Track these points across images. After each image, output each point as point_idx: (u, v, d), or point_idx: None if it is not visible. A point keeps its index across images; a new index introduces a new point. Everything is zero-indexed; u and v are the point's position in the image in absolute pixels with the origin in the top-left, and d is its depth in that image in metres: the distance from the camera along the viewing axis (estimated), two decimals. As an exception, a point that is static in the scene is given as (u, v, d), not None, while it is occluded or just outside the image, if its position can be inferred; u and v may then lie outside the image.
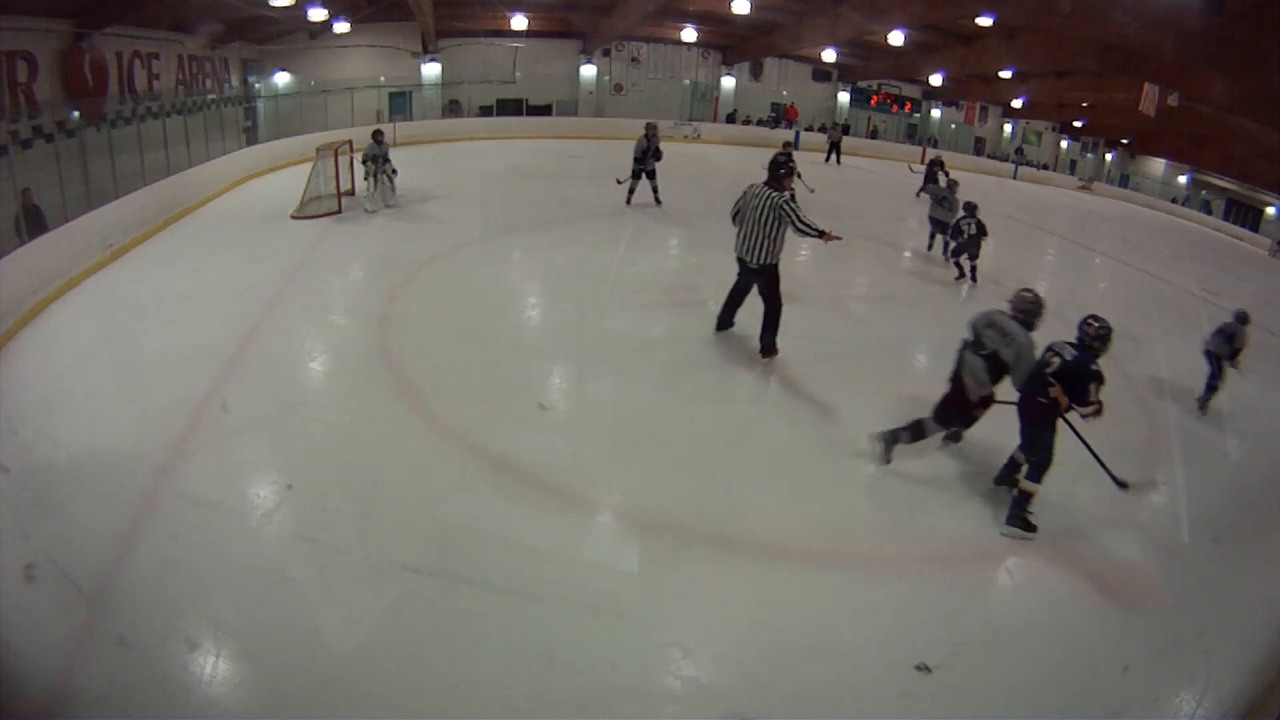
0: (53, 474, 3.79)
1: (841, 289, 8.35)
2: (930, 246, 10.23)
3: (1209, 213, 24.10)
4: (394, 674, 2.75)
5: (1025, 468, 4.03)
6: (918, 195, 13.92)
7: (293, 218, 9.37)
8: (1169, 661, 3.25)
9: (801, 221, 5.23)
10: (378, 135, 9.83)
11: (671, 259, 9.03)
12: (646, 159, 10.20)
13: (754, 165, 14.47)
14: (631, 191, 10.62)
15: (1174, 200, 25.10)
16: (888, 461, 4.44)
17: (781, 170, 5.45)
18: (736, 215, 5.55)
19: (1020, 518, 3.93)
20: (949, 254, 9.33)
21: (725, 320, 6.13)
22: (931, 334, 7.07)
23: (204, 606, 2.99)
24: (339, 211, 9.55)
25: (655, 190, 10.56)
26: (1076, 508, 4.33)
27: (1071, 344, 3.99)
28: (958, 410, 4.37)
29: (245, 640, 2.86)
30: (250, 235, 8.73)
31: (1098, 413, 3.85)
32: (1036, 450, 3.96)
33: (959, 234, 8.88)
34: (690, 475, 4.21)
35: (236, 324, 5.75)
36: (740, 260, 5.58)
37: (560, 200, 10.73)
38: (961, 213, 9.10)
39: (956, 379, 4.34)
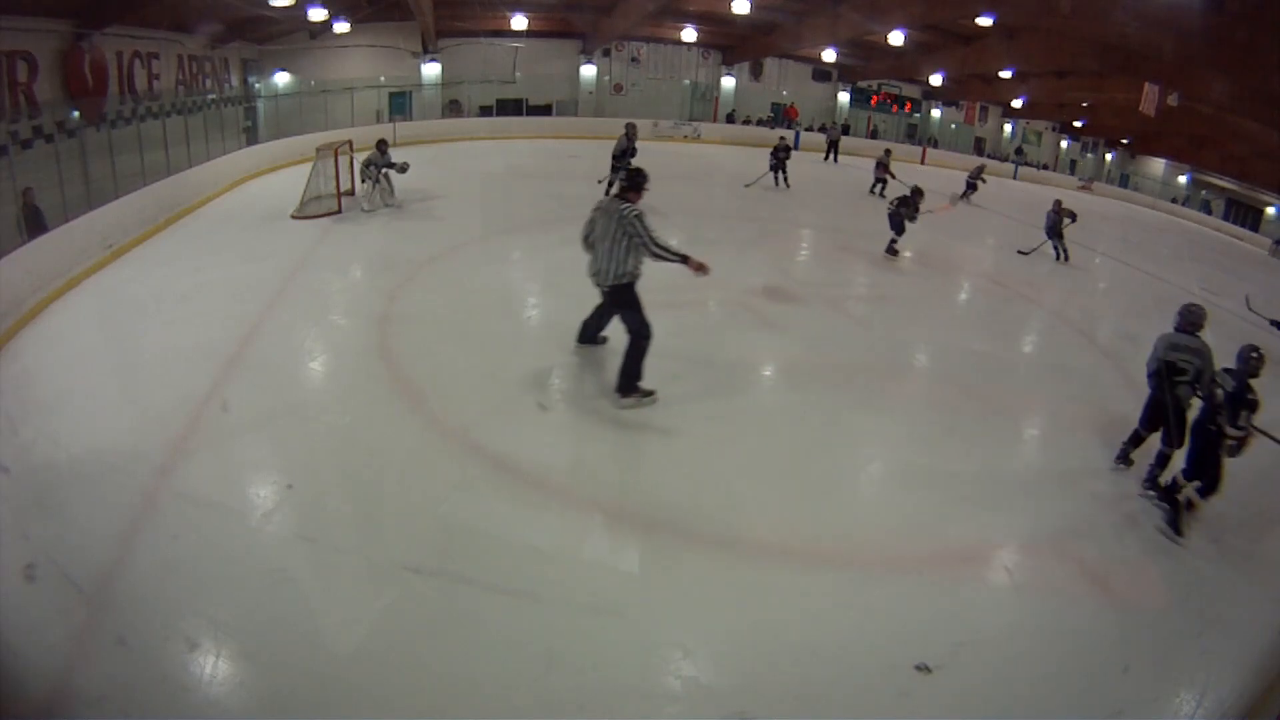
0: (53, 474, 3.78)
1: (842, 289, 8.35)
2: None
3: (1209, 213, 24.13)
4: (394, 674, 2.75)
5: (1194, 483, 4.12)
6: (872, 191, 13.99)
7: (293, 218, 9.37)
8: (1169, 661, 3.25)
9: (654, 244, 4.50)
10: (382, 145, 9.92)
11: (671, 259, 9.03)
12: (625, 158, 10.34)
13: (754, 165, 14.54)
14: (610, 185, 10.61)
15: (1174, 200, 25.13)
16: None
17: (628, 181, 4.75)
18: (588, 239, 4.81)
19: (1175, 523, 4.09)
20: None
21: (586, 331, 5.44)
22: (932, 334, 7.08)
23: (204, 606, 2.99)
24: (339, 211, 9.56)
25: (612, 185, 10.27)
26: (1076, 508, 4.33)
27: (1230, 370, 4.10)
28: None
29: (245, 640, 2.86)
30: (250, 235, 8.73)
31: (1244, 439, 3.95)
32: (1205, 471, 4.08)
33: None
34: (690, 475, 4.21)
35: (236, 324, 5.75)
36: (593, 281, 4.81)
37: (560, 200, 10.72)
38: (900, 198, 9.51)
39: (1179, 426, 4.27)
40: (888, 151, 14.89)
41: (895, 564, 3.64)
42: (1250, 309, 6.20)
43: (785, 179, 14.06)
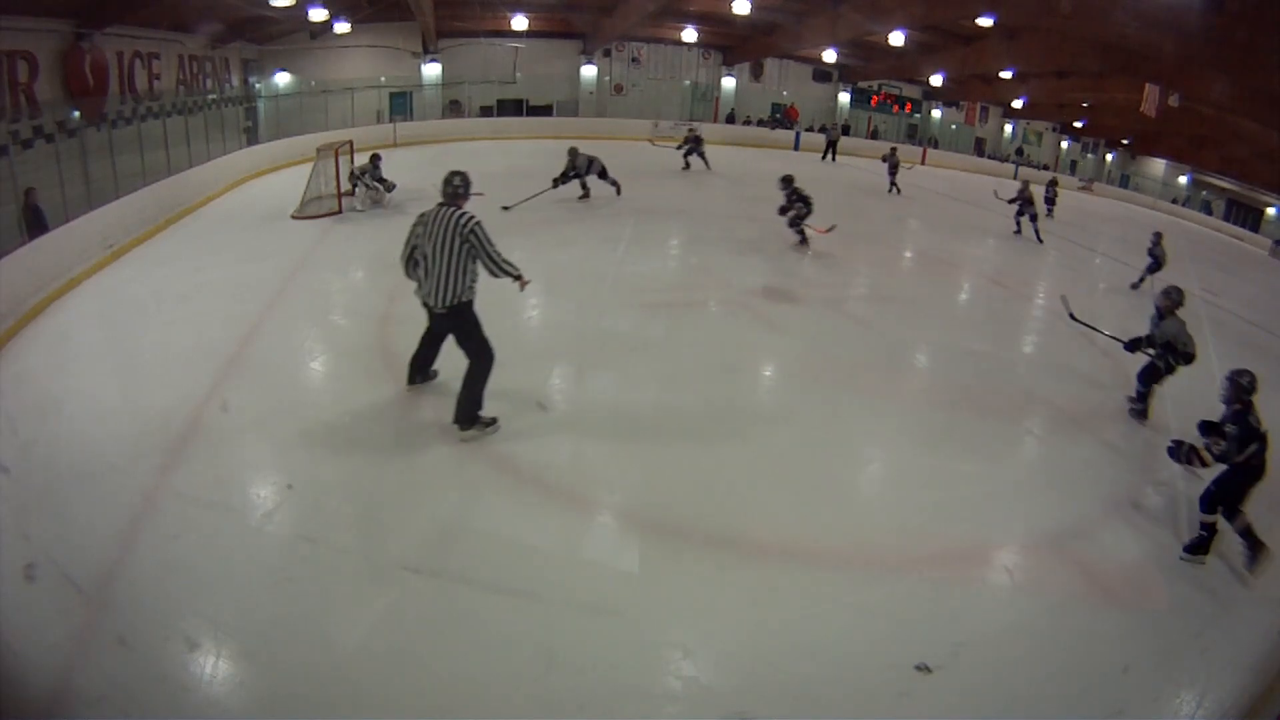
0: (53, 474, 3.79)
1: (842, 289, 8.35)
2: None
3: (1209, 213, 24.12)
4: (394, 674, 2.75)
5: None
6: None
7: (293, 218, 9.38)
8: (1169, 661, 3.25)
9: (496, 258, 4.16)
10: (375, 159, 10.14)
11: (671, 259, 9.04)
12: (566, 178, 10.70)
13: (754, 165, 14.53)
14: (556, 184, 10.63)
15: (1174, 201, 25.11)
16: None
17: (458, 186, 4.29)
18: (411, 257, 4.26)
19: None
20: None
21: (417, 368, 4.77)
22: (932, 334, 7.08)
23: (204, 606, 2.99)
24: (339, 212, 9.57)
25: (540, 194, 10.31)
26: (1076, 508, 4.33)
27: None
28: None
29: (245, 640, 2.86)
30: (250, 235, 8.73)
31: (1223, 457, 3.84)
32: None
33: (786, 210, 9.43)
34: (690, 475, 4.21)
35: (236, 324, 5.75)
36: (424, 305, 4.28)
37: (560, 201, 10.72)
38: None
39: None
40: (894, 149, 15.99)
41: (895, 564, 3.64)
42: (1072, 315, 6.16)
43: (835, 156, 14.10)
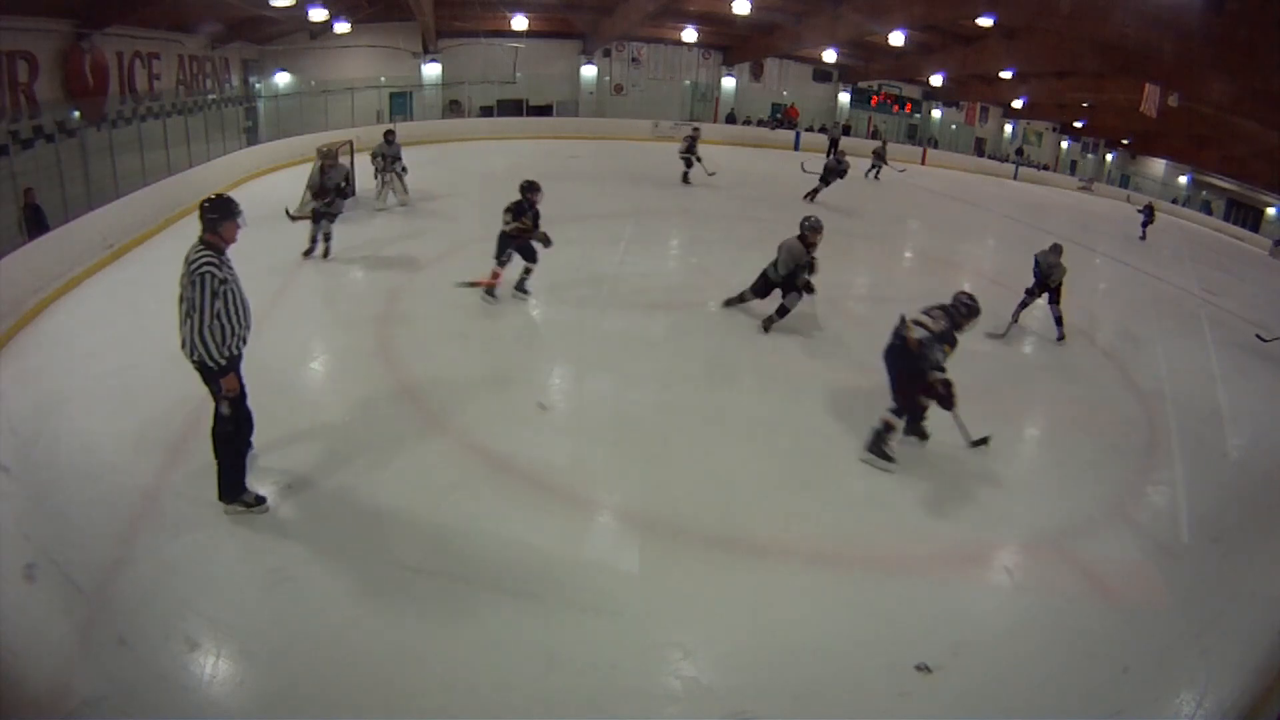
0: (53, 474, 3.79)
1: (842, 289, 8.34)
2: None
3: (1209, 213, 24.13)
4: (394, 674, 2.75)
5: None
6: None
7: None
8: (1169, 661, 3.25)
9: (206, 322, 3.17)
10: (389, 135, 9.87)
11: (671, 259, 9.04)
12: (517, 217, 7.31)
13: (755, 165, 14.52)
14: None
15: (1174, 201, 25.10)
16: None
17: (211, 213, 3.30)
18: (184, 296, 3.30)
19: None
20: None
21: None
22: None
23: (204, 606, 2.99)
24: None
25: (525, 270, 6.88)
26: (1076, 508, 4.33)
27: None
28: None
29: (245, 640, 2.86)
30: (250, 235, 8.69)
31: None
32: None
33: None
34: (690, 475, 4.21)
35: (237, 324, 5.74)
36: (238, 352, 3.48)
37: (560, 200, 10.70)
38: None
39: None
40: (884, 143, 17.89)
41: (895, 564, 3.64)
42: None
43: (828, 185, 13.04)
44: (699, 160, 13.44)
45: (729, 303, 6.80)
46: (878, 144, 18.42)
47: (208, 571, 3.19)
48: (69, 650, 2.73)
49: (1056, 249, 7.20)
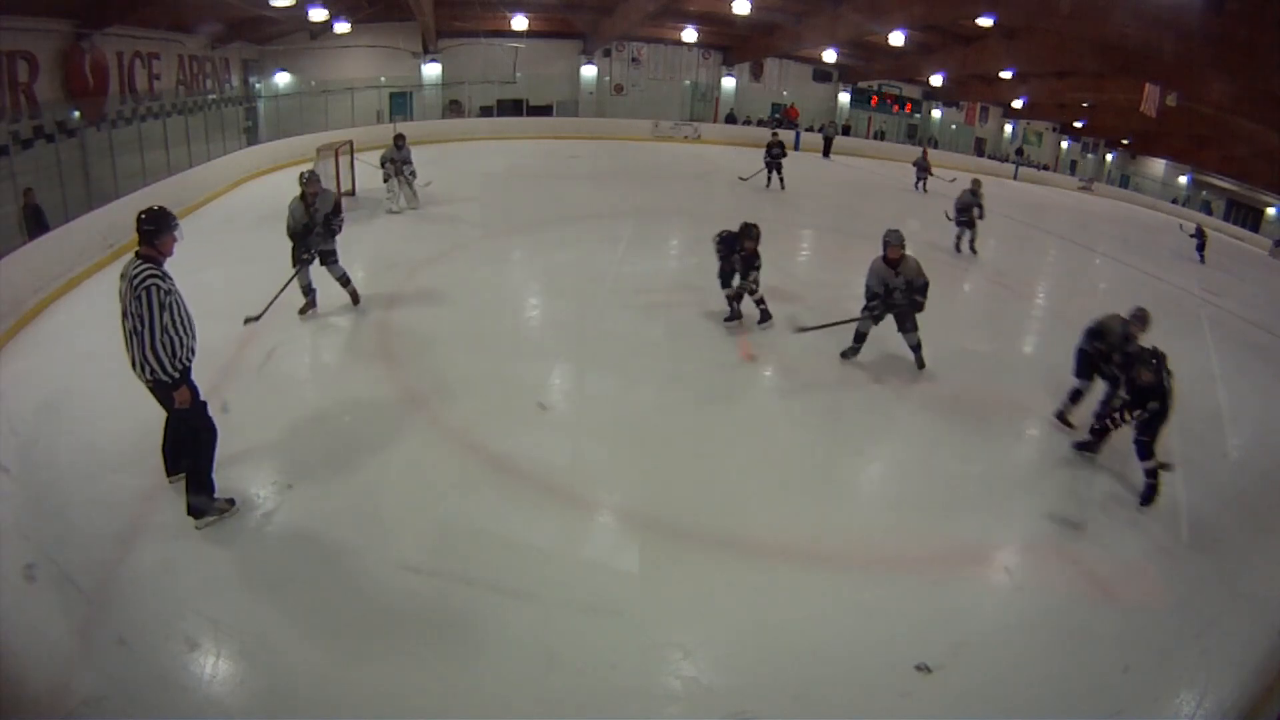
0: (53, 474, 3.79)
1: (842, 289, 8.33)
2: None
3: (1209, 213, 24.12)
4: (394, 674, 2.75)
5: None
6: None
7: (251, 319, 9.26)
8: (1169, 661, 3.25)
9: (155, 341, 3.11)
10: (399, 139, 9.84)
11: (671, 259, 9.04)
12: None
13: (756, 165, 14.53)
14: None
15: (1174, 201, 25.11)
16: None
17: (148, 225, 3.20)
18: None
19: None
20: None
21: (170, 458, 3.71)
22: (932, 334, 7.06)
23: (204, 606, 2.99)
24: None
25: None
26: (1077, 508, 4.33)
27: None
28: None
29: (245, 640, 2.86)
30: (250, 235, 8.72)
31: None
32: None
33: None
34: (690, 475, 4.21)
35: (237, 324, 5.74)
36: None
37: (560, 200, 10.73)
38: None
39: None
40: (925, 151, 17.23)
41: (895, 564, 3.64)
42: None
43: (781, 180, 13.68)
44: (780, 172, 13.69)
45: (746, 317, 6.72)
46: (917, 154, 17.12)
47: (208, 571, 3.19)
48: (69, 650, 2.73)
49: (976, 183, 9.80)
